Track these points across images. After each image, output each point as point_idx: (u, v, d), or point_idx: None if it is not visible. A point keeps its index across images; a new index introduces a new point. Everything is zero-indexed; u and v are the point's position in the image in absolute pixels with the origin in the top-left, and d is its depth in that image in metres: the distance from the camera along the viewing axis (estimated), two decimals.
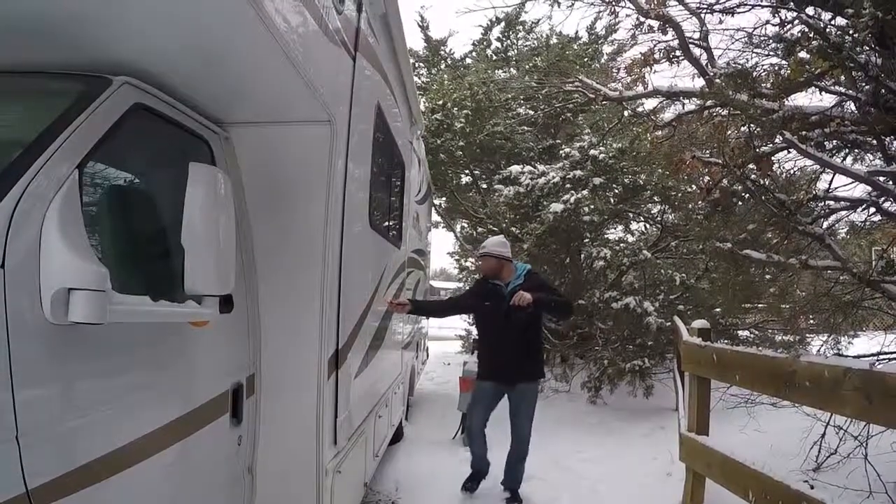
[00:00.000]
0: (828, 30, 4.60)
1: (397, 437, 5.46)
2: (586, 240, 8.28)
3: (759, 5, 5.42)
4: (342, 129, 2.50)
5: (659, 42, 6.20)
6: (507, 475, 4.34)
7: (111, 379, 1.53)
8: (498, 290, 4.23)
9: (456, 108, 9.24)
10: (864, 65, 4.23)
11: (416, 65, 11.20)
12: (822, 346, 5.21)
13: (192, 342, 1.91)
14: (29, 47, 1.72)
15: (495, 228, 9.24)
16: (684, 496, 3.74)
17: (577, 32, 12.11)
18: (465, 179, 10.48)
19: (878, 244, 6.17)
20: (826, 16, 4.80)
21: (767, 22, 5.36)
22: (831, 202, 5.36)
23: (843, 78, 4.74)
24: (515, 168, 8.43)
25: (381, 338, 3.76)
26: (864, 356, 4.66)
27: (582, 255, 8.47)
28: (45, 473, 1.26)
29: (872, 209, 5.11)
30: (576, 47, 10.62)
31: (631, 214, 9.12)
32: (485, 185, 10.39)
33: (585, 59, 10.35)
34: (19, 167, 1.34)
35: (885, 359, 4.53)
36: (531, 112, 9.51)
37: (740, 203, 5.58)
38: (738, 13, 5.62)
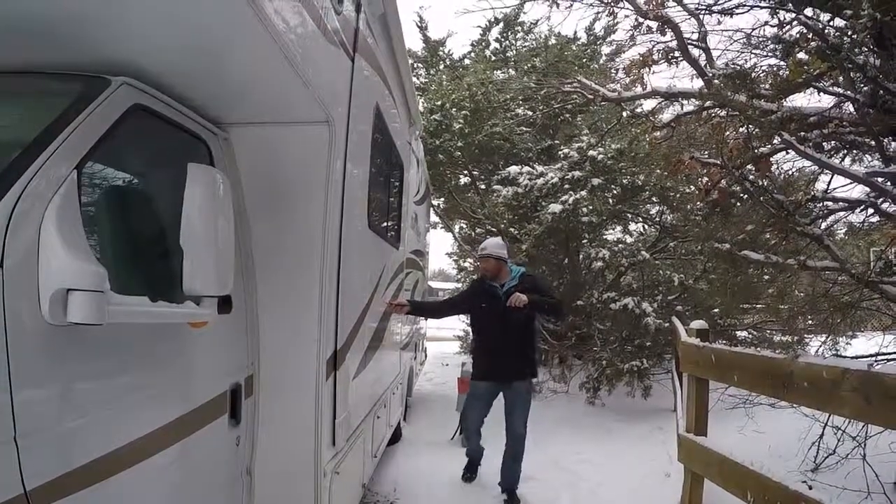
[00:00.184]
0: (826, 31, 4.60)
1: (396, 437, 5.46)
2: (585, 240, 8.29)
3: (758, 6, 5.42)
4: (341, 129, 2.50)
5: (657, 43, 6.20)
6: (503, 475, 4.38)
7: (110, 380, 1.52)
8: (494, 292, 4.33)
9: (454, 109, 9.24)
10: (863, 66, 4.23)
11: (415, 65, 11.20)
12: (820, 346, 5.21)
13: (191, 343, 1.91)
14: (29, 47, 1.72)
15: (494, 229, 9.25)
16: (683, 497, 3.74)
17: (575, 33, 12.14)
18: (463, 180, 10.47)
19: (876, 245, 6.17)
20: (825, 17, 4.81)
21: (766, 23, 5.37)
22: (830, 203, 5.36)
23: (841, 79, 4.73)
24: (514, 169, 8.44)
25: (380, 338, 3.76)
26: (863, 357, 4.67)
27: (580, 256, 8.48)
28: (43, 474, 1.26)
29: (871, 210, 5.11)
30: (574, 48, 10.62)
31: (629, 215, 9.13)
32: (483, 186, 10.39)
33: (584, 60, 10.35)
34: (18, 167, 1.34)
35: (883, 359, 4.54)
36: (530, 113, 9.51)
37: (739, 204, 5.58)
38: (737, 14, 5.63)
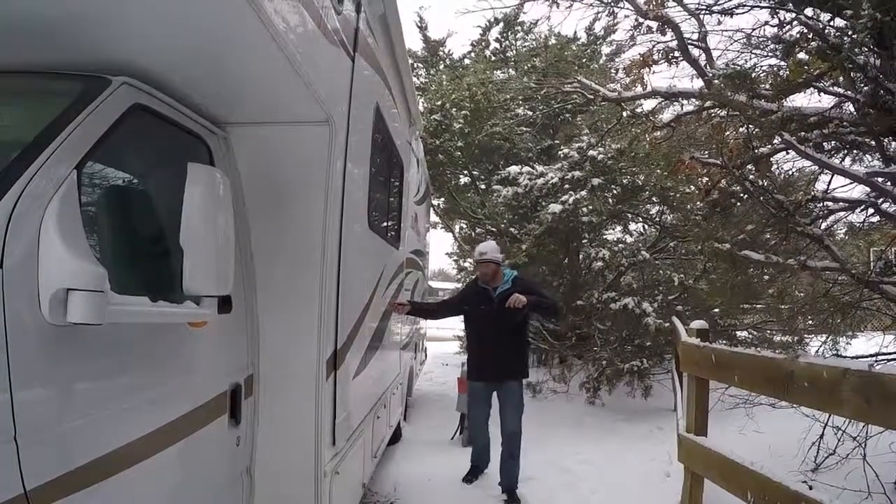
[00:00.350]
0: (827, 31, 4.60)
1: (396, 437, 5.46)
2: (585, 240, 8.29)
3: (758, 6, 5.42)
4: (341, 129, 2.50)
5: (658, 43, 6.19)
6: (503, 475, 4.43)
7: (110, 379, 1.52)
8: (488, 294, 4.50)
9: (454, 109, 9.24)
10: (863, 66, 4.23)
11: (415, 65, 11.21)
12: (820, 346, 5.21)
13: (191, 343, 1.91)
14: (29, 47, 1.72)
15: (494, 229, 9.25)
16: (683, 497, 3.74)
17: (575, 33, 12.10)
18: (463, 180, 10.47)
19: (876, 245, 6.17)
20: (825, 17, 4.80)
21: (766, 23, 5.36)
22: (830, 203, 5.35)
23: (841, 79, 4.73)
24: (514, 168, 8.44)
25: (380, 338, 3.76)
26: (863, 357, 4.67)
27: (580, 256, 8.48)
28: (43, 474, 1.26)
29: (871, 210, 5.11)
30: (574, 48, 10.62)
31: (629, 215, 9.12)
32: (483, 186, 10.39)
33: (584, 60, 10.35)
34: (18, 167, 1.34)
35: (883, 359, 4.54)
36: (530, 113, 9.51)
37: (739, 204, 5.57)
38: (737, 14, 5.62)
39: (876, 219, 5.34)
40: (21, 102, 1.75)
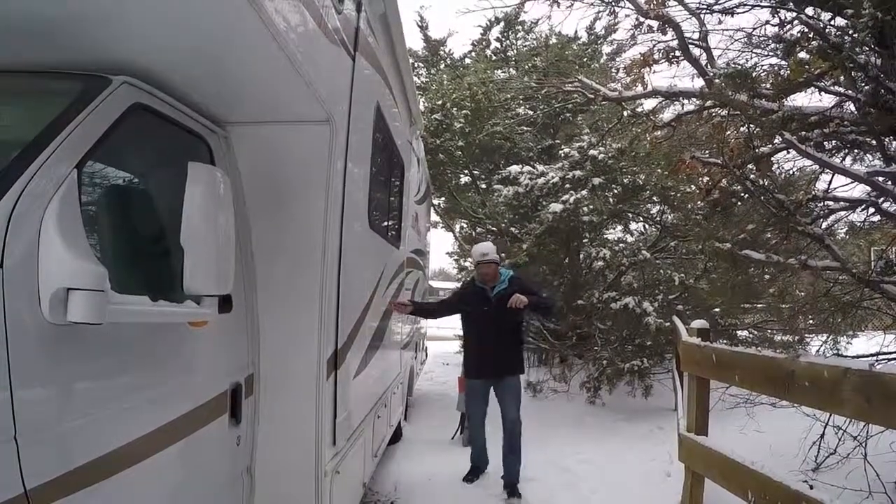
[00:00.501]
0: (827, 30, 4.59)
1: (396, 437, 5.47)
2: (585, 240, 8.28)
3: (759, 6, 5.41)
4: (341, 128, 2.50)
5: (658, 42, 6.18)
6: (505, 469, 4.52)
7: (110, 379, 1.52)
8: (485, 294, 4.62)
9: (455, 108, 9.23)
10: (864, 65, 4.22)
11: (416, 65, 11.19)
12: (821, 346, 5.21)
13: (191, 342, 1.91)
14: (30, 47, 1.72)
15: (494, 228, 9.25)
16: (683, 496, 3.74)
17: (576, 33, 12.09)
18: (464, 179, 10.47)
19: (877, 244, 6.18)
20: (826, 16, 4.79)
21: (767, 22, 5.35)
22: (830, 202, 5.35)
23: (842, 78, 4.73)
24: (515, 168, 8.43)
25: (380, 338, 3.76)
26: (864, 356, 4.67)
27: (581, 256, 8.47)
28: (43, 474, 1.26)
29: (871, 209, 5.11)
30: (575, 47, 10.61)
31: (630, 214, 9.11)
32: (484, 186, 10.39)
33: (585, 60, 10.34)
34: (18, 167, 1.34)
35: (884, 359, 4.54)
36: (530, 112, 9.51)
37: (739, 203, 5.57)
38: (738, 13, 5.61)
39: (877, 218, 5.35)
40: (21, 102, 1.74)
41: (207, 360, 2.02)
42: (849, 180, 5.03)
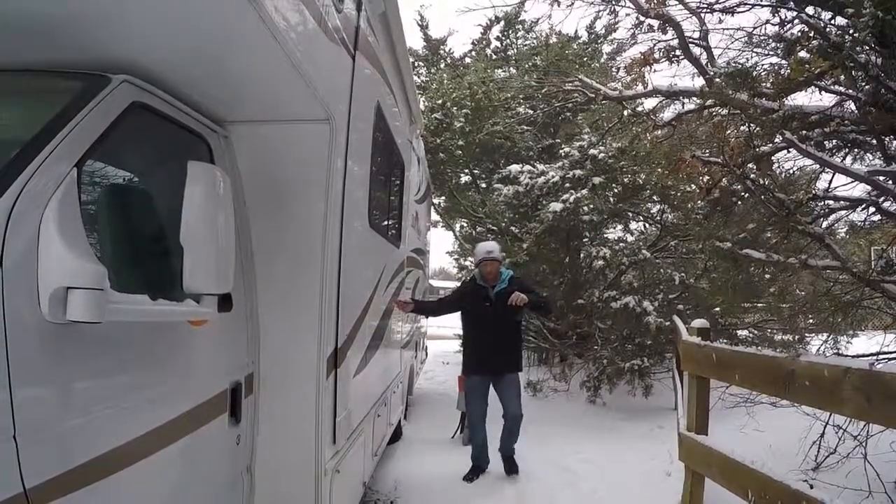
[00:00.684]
0: (828, 29, 4.59)
1: (396, 436, 5.47)
2: (585, 239, 8.29)
3: (759, 5, 5.41)
4: (341, 127, 2.50)
5: (659, 41, 6.18)
6: (502, 445, 4.82)
7: (109, 378, 1.52)
8: (486, 293, 4.74)
9: (455, 108, 9.23)
10: (865, 64, 4.22)
11: (416, 64, 11.19)
12: (821, 345, 5.21)
13: (191, 341, 1.90)
14: (29, 46, 1.72)
15: (494, 228, 9.24)
16: (683, 496, 3.74)
17: (576, 32, 12.09)
18: (464, 179, 10.46)
19: (877, 244, 6.17)
20: (826, 15, 4.80)
21: (767, 21, 5.36)
22: (831, 202, 5.36)
23: (843, 77, 4.73)
24: (515, 167, 8.43)
25: (381, 337, 3.76)
26: (864, 356, 4.66)
27: (581, 255, 8.47)
28: (42, 473, 1.25)
29: (872, 209, 5.11)
30: (575, 47, 10.61)
31: (630, 214, 9.12)
32: (484, 185, 10.39)
33: (585, 59, 10.33)
34: (17, 166, 1.33)
35: (884, 358, 4.53)
36: (531, 111, 9.50)
37: (740, 203, 5.57)
38: (738, 13, 5.61)
39: (877, 217, 5.35)
40: (21, 101, 1.74)
41: (207, 359, 2.01)
42: (849, 179, 5.04)
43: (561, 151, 8.33)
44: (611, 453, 5.32)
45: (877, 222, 5.61)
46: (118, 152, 1.71)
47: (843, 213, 5.50)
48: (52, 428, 1.31)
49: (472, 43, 11.59)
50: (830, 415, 3.83)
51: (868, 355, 4.69)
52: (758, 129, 4.98)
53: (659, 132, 6.80)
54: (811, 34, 4.70)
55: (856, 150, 5.42)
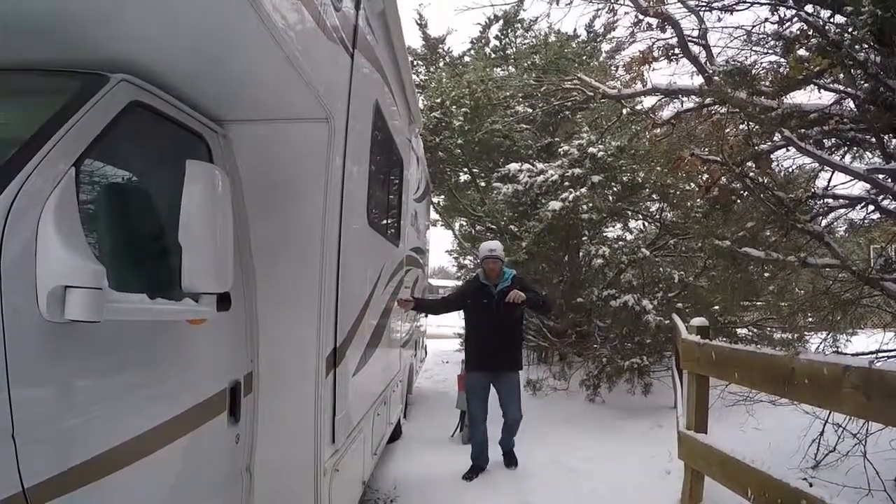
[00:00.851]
0: (827, 27, 4.58)
1: (396, 435, 5.47)
2: (585, 238, 8.28)
3: (758, 3, 5.40)
4: (340, 126, 2.50)
5: (658, 40, 6.17)
6: (502, 440, 5.00)
7: (108, 377, 1.52)
8: (488, 291, 4.83)
9: (454, 106, 9.24)
10: (864, 62, 4.22)
11: (415, 63, 11.20)
12: (820, 343, 5.21)
13: (190, 340, 1.90)
14: (29, 45, 1.71)
15: (494, 226, 9.25)
16: (683, 494, 3.75)
17: (575, 30, 12.15)
18: (463, 177, 10.48)
19: (876, 242, 6.17)
20: (825, 13, 4.79)
21: (766, 20, 5.34)
22: (830, 200, 5.35)
23: (842, 76, 4.73)
24: (514, 166, 8.43)
25: (380, 336, 3.75)
26: (863, 354, 4.66)
27: (580, 253, 8.47)
28: (41, 472, 1.25)
29: (871, 207, 5.11)
30: (574, 45, 10.63)
31: (630, 212, 9.12)
32: (483, 183, 10.39)
33: (584, 57, 10.35)
34: (15, 164, 1.33)
35: (883, 357, 4.53)
36: (530, 110, 9.51)
37: (739, 201, 5.57)
38: (737, 11, 5.60)
39: (876, 215, 5.34)
40: (19, 99, 1.74)
41: (206, 357, 2.01)
42: (848, 178, 5.04)
43: (560, 150, 8.33)
44: (610, 452, 5.33)
45: (876, 220, 5.60)
46: (117, 151, 1.70)
47: (842, 211, 5.50)
48: (51, 427, 1.31)
49: (471, 42, 11.62)
50: (830, 413, 3.83)
51: (867, 353, 4.69)
52: (757, 127, 4.98)
53: (658, 130, 6.80)
54: (810, 32, 4.69)
55: (855, 148, 5.43)
